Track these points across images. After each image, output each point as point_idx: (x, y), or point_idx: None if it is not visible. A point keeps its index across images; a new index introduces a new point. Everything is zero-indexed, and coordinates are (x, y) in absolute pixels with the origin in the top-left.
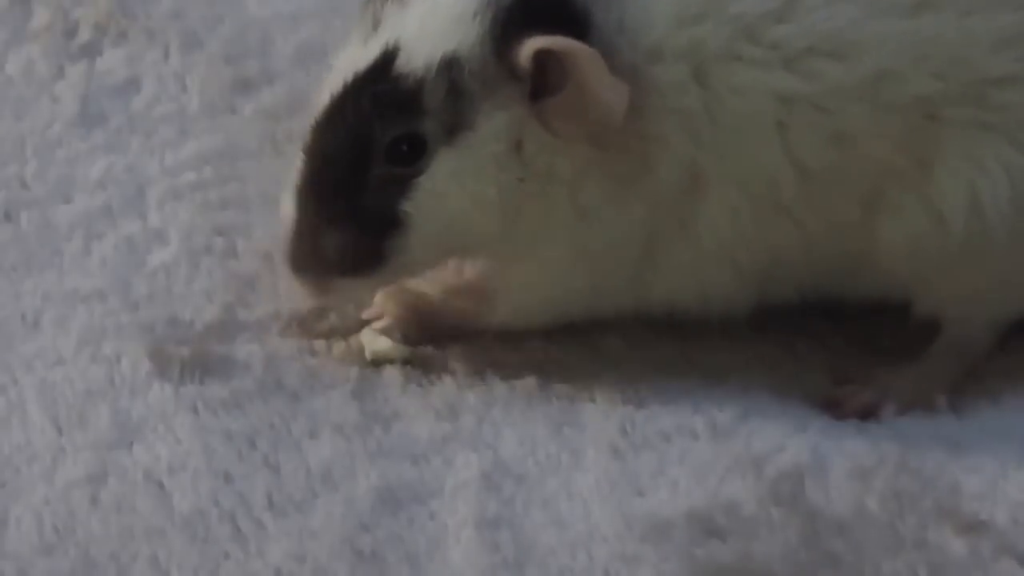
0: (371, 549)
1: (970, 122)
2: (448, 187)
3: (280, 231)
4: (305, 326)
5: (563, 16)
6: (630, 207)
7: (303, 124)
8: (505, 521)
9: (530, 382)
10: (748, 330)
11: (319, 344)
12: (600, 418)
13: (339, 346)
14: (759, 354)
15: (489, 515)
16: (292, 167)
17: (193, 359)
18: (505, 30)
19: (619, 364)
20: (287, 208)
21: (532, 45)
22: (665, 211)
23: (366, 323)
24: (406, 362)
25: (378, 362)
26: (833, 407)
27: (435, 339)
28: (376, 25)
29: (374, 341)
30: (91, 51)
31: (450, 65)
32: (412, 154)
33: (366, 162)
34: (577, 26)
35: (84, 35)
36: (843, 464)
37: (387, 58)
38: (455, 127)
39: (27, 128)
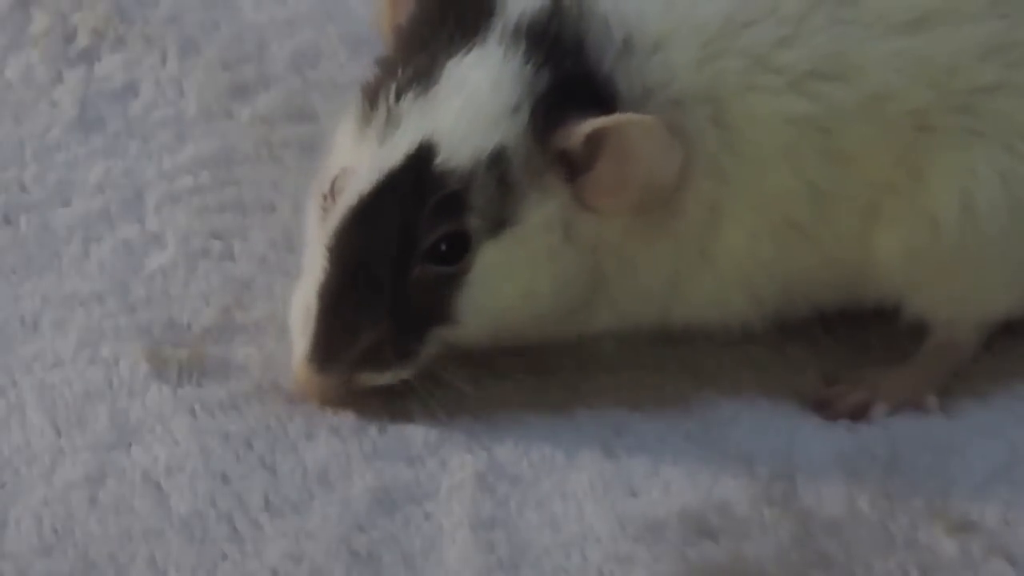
0: (367, 550)
1: (961, 130)
2: (498, 282)
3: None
4: None
5: (590, 92)
6: (657, 245)
7: (299, 131)
8: (500, 522)
9: (524, 383)
10: (739, 332)
11: None
12: (593, 419)
13: None
14: (750, 356)
15: (484, 516)
16: (310, 266)
17: (191, 361)
18: (547, 118)
19: (612, 366)
20: (309, 305)
21: (587, 127)
22: (687, 244)
23: None
24: None
25: None
26: (824, 408)
27: None
28: (395, 122)
29: None
30: (89, 56)
31: (498, 160)
32: (454, 252)
33: (406, 262)
34: (605, 99)
35: (83, 40)
36: (834, 464)
37: (422, 155)
38: (501, 220)
39: (26, 132)
